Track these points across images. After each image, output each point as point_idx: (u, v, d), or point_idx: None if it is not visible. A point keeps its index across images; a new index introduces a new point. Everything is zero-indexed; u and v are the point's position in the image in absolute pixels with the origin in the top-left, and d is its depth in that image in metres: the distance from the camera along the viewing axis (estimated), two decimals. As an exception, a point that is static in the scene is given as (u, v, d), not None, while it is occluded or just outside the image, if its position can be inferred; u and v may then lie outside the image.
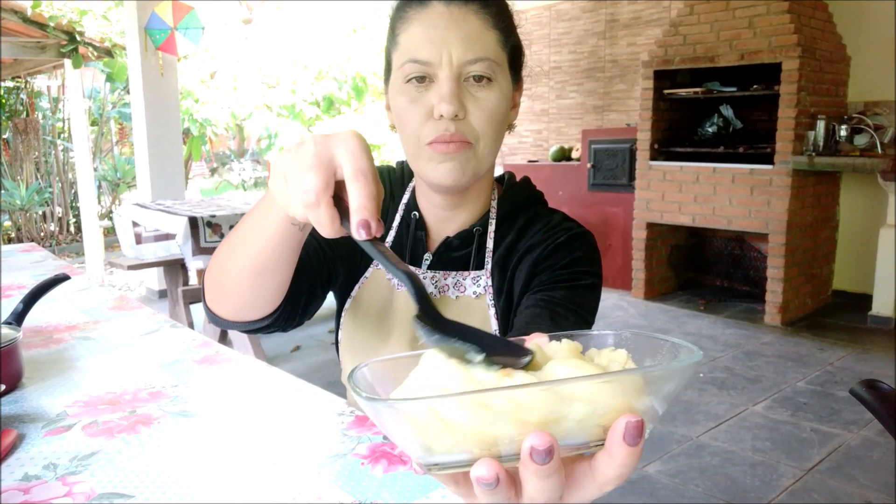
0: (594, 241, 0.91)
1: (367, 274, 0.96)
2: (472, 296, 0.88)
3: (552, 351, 0.42)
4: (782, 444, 2.69)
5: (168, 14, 4.71)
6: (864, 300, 4.40)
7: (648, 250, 4.93)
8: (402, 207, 0.94)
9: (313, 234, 0.88)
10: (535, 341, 0.43)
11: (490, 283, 0.88)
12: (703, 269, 5.27)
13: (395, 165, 1.00)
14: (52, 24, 5.63)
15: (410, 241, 0.92)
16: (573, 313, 0.80)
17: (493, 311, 0.88)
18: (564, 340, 0.43)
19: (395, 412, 0.36)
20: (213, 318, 0.81)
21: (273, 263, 0.69)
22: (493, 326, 0.87)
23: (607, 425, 0.36)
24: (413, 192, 0.95)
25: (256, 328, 0.82)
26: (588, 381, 0.36)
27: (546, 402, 0.35)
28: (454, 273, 0.89)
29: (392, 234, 0.94)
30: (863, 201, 4.66)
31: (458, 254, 0.90)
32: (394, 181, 0.98)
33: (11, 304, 1.50)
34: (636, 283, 4.99)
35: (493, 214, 0.91)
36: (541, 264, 0.87)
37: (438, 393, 0.38)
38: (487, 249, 0.89)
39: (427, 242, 0.92)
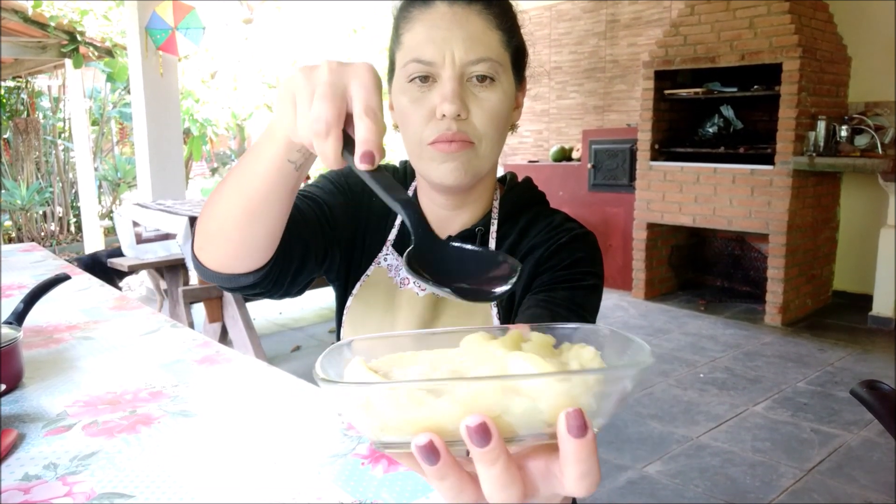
0: (596, 242, 0.91)
1: (368, 272, 0.96)
2: None
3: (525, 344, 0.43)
4: (782, 444, 2.69)
5: (169, 14, 4.71)
6: (865, 301, 4.40)
7: (649, 250, 4.93)
8: None
9: (314, 203, 0.87)
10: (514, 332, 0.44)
11: None
12: (703, 270, 5.27)
13: (397, 165, 1.01)
14: (52, 24, 5.64)
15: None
16: (574, 314, 0.80)
17: (495, 310, 0.88)
18: (535, 334, 0.43)
19: (342, 394, 0.37)
20: (199, 267, 0.76)
21: (265, 206, 0.66)
22: (494, 323, 0.88)
23: (552, 422, 0.36)
24: (415, 192, 0.95)
25: (242, 285, 0.77)
26: (525, 379, 0.36)
27: (486, 395, 0.35)
28: None
29: (394, 232, 0.94)
30: (863, 202, 4.66)
31: None
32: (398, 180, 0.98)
33: (12, 303, 1.50)
34: (636, 284, 4.99)
35: (494, 214, 0.91)
36: (543, 265, 0.87)
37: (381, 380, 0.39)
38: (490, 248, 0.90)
39: None
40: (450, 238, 0.91)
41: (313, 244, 0.86)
